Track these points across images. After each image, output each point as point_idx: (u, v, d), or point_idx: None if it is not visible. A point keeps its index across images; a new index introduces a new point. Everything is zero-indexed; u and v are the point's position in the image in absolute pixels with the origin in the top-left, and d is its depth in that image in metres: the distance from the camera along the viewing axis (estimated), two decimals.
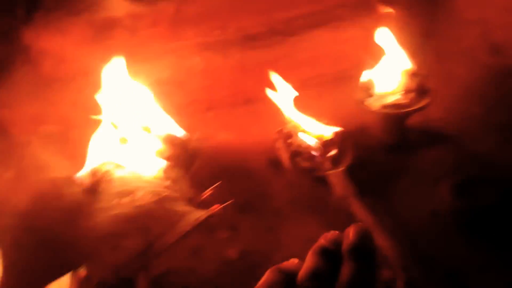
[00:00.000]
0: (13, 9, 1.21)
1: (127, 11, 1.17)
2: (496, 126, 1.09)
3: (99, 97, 0.93)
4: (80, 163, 0.92)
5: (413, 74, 1.04)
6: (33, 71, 1.22)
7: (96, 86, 1.18)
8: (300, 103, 1.18)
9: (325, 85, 1.29)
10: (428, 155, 1.03)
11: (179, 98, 1.25)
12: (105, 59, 1.05)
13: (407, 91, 1.02)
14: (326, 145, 0.99)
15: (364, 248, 0.43)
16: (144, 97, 0.97)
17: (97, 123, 0.95)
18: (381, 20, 1.27)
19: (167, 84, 1.22)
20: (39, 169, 1.15)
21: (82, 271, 0.77)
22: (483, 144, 1.04)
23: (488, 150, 1.02)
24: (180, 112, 1.26)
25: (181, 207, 0.75)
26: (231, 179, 1.04)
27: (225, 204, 0.72)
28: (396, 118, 1.02)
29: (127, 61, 1.12)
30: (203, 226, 0.87)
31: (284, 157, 0.99)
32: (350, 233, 0.45)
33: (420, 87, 1.02)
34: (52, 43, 1.17)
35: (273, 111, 1.29)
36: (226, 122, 1.26)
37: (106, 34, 1.17)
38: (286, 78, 1.30)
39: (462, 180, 0.90)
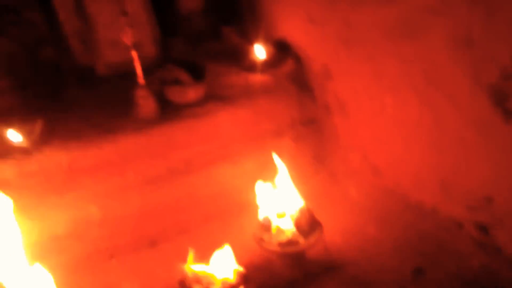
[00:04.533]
0: None
1: (16, 171, 1.15)
2: (388, 244, 1.17)
3: None
4: None
5: (304, 211, 1.11)
6: None
7: None
8: (205, 239, 1.20)
9: (227, 219, 1.32)
10: (328, 285, 1.06)
11: (78, 250, 1.20)
12: None
13: (299, 227, 1.08)
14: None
15: None
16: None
17: None
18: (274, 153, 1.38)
19: (65, 238, 1.17)
20: None
21: None
22: (377, 265, 1.11)
23: (381, 271, 1.08)
24: (80, 265, 1.21)
25: None
26: None
27: None
28: (292, 255, 1.06)
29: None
30: None
31: None
32: None
33: (311, 222, 1.09)
34: None
35: (179, 250, 1.29)
36: (131, 268, 1.22)
37: None
38: (188, 215, 1.33)
39: None
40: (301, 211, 1.11)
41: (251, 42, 1.61)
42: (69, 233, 1.18)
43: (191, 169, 1.33)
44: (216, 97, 1.42)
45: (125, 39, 1.21)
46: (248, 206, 1.35)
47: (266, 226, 1.11)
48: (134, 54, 1.23)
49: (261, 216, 1.13)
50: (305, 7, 1.41)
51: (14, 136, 1.16)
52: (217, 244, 1.08)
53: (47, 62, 1.59)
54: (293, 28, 1.52)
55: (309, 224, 1.09)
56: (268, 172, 1.22)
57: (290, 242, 1.07)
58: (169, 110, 1.35)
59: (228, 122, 1.39)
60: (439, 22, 0.98)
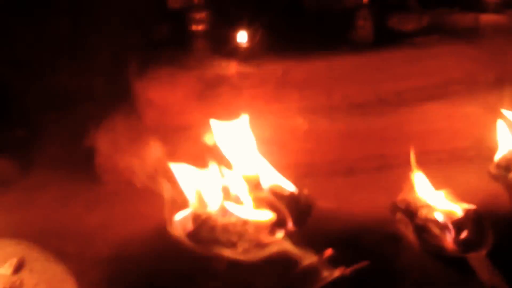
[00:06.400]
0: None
1: (236, 70, 1.17)
2: None
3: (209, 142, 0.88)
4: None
5: None
6: (136, 122, 1.22)
7: (197, 139, 1.16)
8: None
9: (438, 163, 1.16)
10: None
11: (279, 159, 1.17)
12: (209, 114, 1.03)
13: None
14: (458, 223, 0.84)
15: None
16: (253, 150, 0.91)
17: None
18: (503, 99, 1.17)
19: (269, 143, 1.15)
20: (127, 218, 1.09)
21: None
22: None
23: None
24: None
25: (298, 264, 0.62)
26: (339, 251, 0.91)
27: (357, 266, 0.58)
28: None
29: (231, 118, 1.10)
30: None
31: (407, 231, 0.83)
32: None
33: None
34: (160, 95, 1.18)
35: (379, 185, 1.18)
36: (323, 191, 1.15)
37: (213, 91, 1.17)
38: (395, 150, 1.20)
39: None
40: None
41: None
42: (274, 140, 1.16)
43: (402, 102, 1.21)
44: (440, 31, 1.26)
45: None
46: (465, 154, 1.18)
47: (507, 166, 0.92)
48: None
49: (500, 155, 0.95)
50: None
51: (241, 37, 1.18)
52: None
53: None
54: None
55: None
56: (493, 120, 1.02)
57: None
58: (387, 37, 1.25)
59: (451, 59, 1.23)
60: None
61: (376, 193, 1.14)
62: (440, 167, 1.17)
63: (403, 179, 1.06)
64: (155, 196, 1.14)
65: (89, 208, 1.12)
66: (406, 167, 1.17)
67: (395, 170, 1.19)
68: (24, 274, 0.81)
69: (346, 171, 1.18)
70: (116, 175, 1.21)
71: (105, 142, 1.23)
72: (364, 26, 1.22)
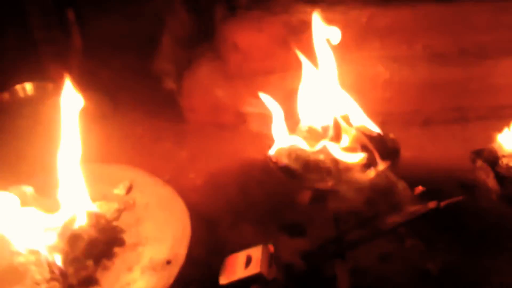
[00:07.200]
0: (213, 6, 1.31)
1: (320, 16, 1.19)
2: None
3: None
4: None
5: None
6: (220, 65, 1.29)
7: (279, 84, 1.22)
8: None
9: None
10: None
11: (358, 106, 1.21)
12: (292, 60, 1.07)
13: None
14: None
15: None
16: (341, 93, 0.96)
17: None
18: None
19: (348, 91, 1.19)
20: (212, 153, 1.18)
21: (271, 247, 0.73)
22: None
23: None
24: None
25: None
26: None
27: (454, 199, 0.63)
28: None
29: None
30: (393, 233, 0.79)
31: (488, 178, 0.87)
32: None
33: None
34: (246, 39, 1.23)
35: (454, 136, 1.19)
36: (399, 139, 1.18)
37: (297, 36, 1.19)
38: (475, 103, 1.21)
39: None
40: None
41: None
42: (353, 87, 1.19)
43: (485, 55, 1.18)
44: None
45: None
46: None
47: None
48: None
49: None
50: None
51: None
52: None
53: None
54: None
55: None
56: None
57: None
58: None
59: None
60: None
61: (452, 145, 1.16)
62: None
63: (481, 131, 1.07)
64: (236, 134, 1.24)
65: (177, 143, 1.23)
66: (484, 120, 1.18)
67: (473, 123, 1.20)
68: (136, 194, 0.94)
69: (423, 122, 1.21)
70: (199, 115, 1.30)
71: (189, 83, 1.32)
72: None
